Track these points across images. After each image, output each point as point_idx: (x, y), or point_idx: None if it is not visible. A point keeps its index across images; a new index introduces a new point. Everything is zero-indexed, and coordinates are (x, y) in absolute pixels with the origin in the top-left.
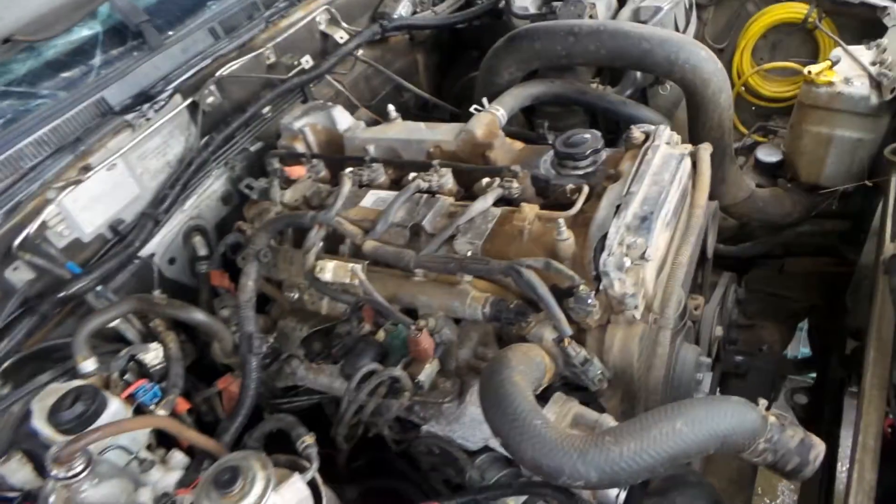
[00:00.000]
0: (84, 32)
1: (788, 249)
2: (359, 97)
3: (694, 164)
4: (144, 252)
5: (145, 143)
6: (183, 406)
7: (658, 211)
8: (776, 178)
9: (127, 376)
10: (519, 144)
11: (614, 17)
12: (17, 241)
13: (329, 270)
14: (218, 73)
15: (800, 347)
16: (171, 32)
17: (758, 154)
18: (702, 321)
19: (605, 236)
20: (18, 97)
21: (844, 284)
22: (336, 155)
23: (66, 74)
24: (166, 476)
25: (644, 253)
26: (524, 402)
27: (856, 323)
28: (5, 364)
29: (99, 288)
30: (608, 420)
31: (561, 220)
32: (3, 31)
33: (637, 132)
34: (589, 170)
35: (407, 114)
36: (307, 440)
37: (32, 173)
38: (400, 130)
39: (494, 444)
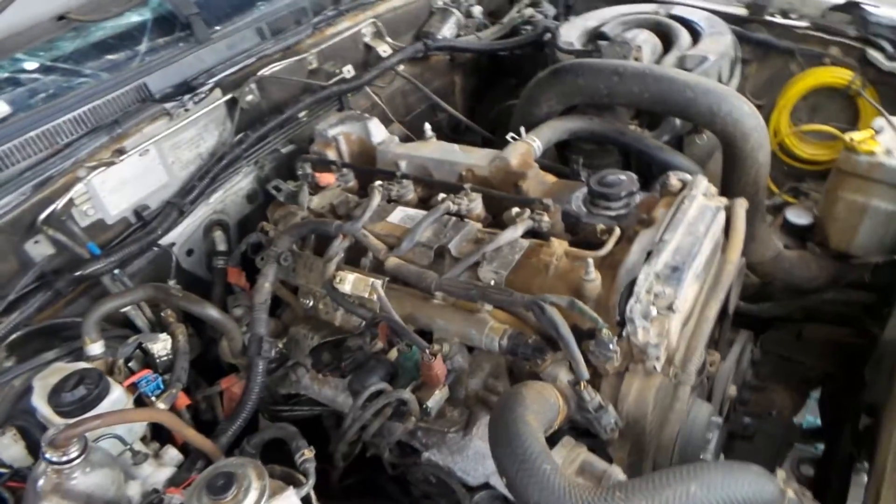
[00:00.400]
0: (134, 18)
1: (809, 314)
2: (394, 111)
3: (728, 219)
4: (165, 240)
5: (180, 133)
6: (183, 401)
7: (690, 262)
8: (804, 241)
9: (132, 364)
10: (551, 178)
11: (658, 62)
12: (42, 216)
13: (348, 282)
14: (260, 73)
15: (810, 419)
16: (218, 27)
17: (787, 215)
18: (716, 378)
19: (633, 282)
20: (63, 74)
21: (863, 357)
22: (367, 167)
23: (111, 57)
24: (158, 471)
25: (672, 304)
26: (535, 443)
27: (872, 399)
28: (13, 336)
29: (116, 271)
30: (617, 472)
31: (590, 260)
32: (58, 8)
33: (674, 179)
34: (621, 212)
35: (439, 133)
36: (306, 454)
37: (67, 150)
38: (434, 150)
39: (496, 481)
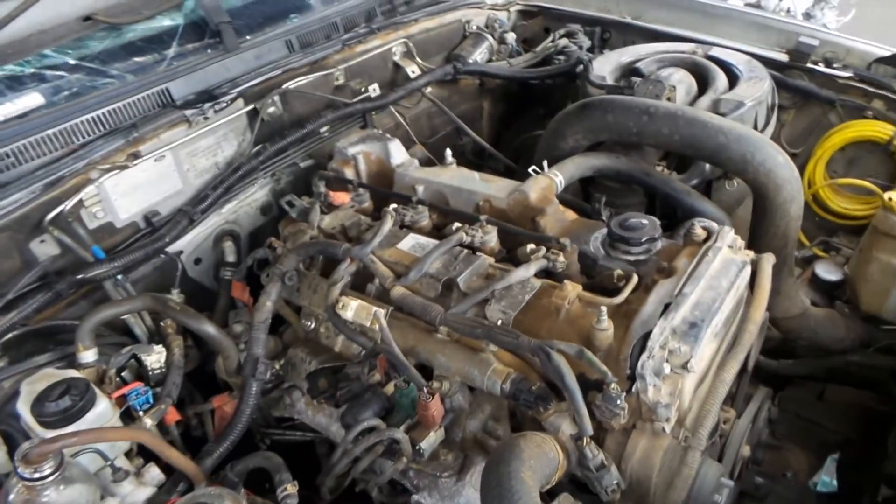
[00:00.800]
0: (166, 22)
1: (832, 375)
2: (418, 133)
3: (753, 274)
4: (173, 248)
5: (198, 141)
6: (173, 417)
7: (710, 319)
8: (833, 298)
9: (124, 373)
10: (571, 214)
11: (692, 103)
12: (50, 216)
13: (351, 309)
14: (285, 86)
15: (826, 480)
16: (248, 37)
17: (817, 270)
18: (730, 437)
19: (647, 335)
20: (88, 73)
21: (887, 425)
22: (384, 188)
23: (138, 59)
24: (137, 491)
25: (687, 363)
26: (529, 503)
27: (894, 470)
28: (8, 336)
29: (119, 277)
30: None
31: (603, 308)
32: (84, 9)
33: (699, 228)
34: (641, 257)
35: (462, 158)
36: (289, 490)
37: (82, 150)
38: (453, 176)
39: None
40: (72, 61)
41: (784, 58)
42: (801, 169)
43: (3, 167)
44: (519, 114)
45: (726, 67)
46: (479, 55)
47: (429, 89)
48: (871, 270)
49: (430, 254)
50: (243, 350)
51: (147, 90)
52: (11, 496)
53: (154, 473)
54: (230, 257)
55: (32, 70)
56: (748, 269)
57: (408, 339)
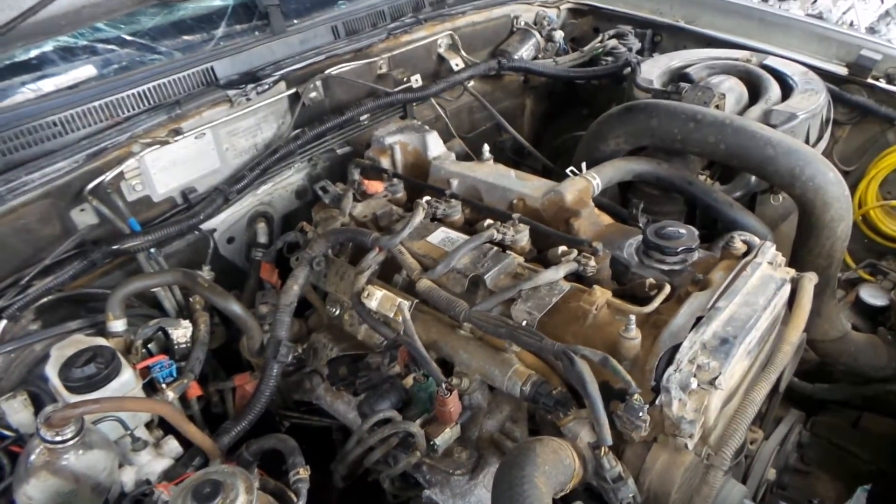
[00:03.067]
0: (216, 2)
1: (870, 404)
2: (458, 126)
3: (793, 293)
4: (207, 225)
5: (239, 121)
6: (195, 392)
7: (742, 336)
8: (876, 323)
9: (151, 345)
10: (607, 219)
11: (742, 113)
12: (90, 185)
13: (376, 298)
14: (328, 71)
15: None
16: (295, 21)
17: (861, 293)
18: (756, 458)
19: (676, 347)
20: (138, 48)
21: None
22: (418, 180)
23: (187, 37)
24: (154, 461)
25: (715, 379)
26: None
27: None
28: (44, 300)
29: (153, 250)
30: None
31: (632, 316)
32: None
33: (739, 241)
34: (676, 267)
35: (500, 154)
36: (301, 473)
37: (126, 124)
38: (488, 173)
39: None
40: (123, 36)
41: (843, 71)
42: (853, 188)
43: (50, 135)
44: (561, 113)
45: (781, 78)
46: (525, 52)
47: (471, 83)
48: None
49: (458, 249)
50: (268, 331)
51: (192, 68)
52: (32, 457)
53: (172, 446)
54: (262, 238)
55: (85, 42)
56: (787, 288)
57: (430, 332)
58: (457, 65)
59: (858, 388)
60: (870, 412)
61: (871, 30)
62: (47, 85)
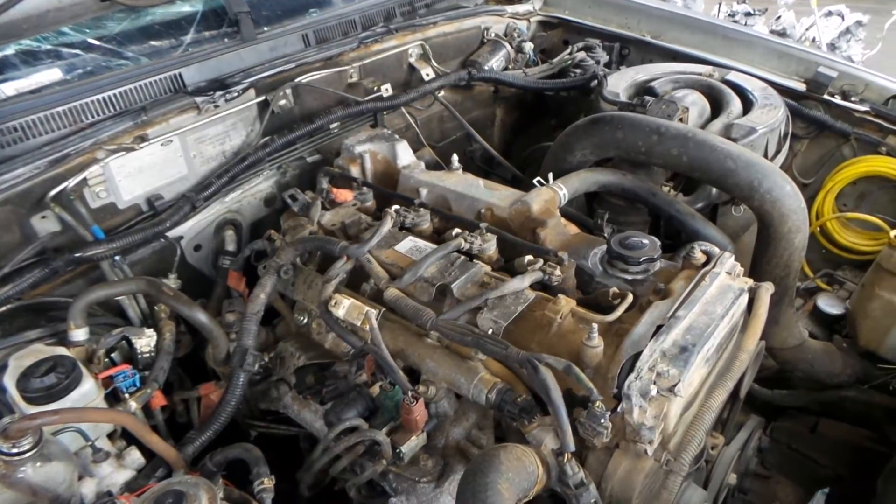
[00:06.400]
0: (185, 8)
1: (826, 409)
2: (428, 136)
3: (750, 303)
4: (174, 233)
5: (206, 128)
6: (159, 401)
7: (701, 344)
8: (832, 331)
9: (114, 354)
10: (573, 228)
11: (704, 126)
12: (52, 192)
13: (343, 307)
14: (298, 79)
15: None
16: (265, 28)
17: (818, 302)
18: (717, 463)
19: (637, 356)
20: (103, 53)
21: (879, 464)
22: (387, 189)
23: (154, 43)
24: (116, 473)
25: (675, 386)
26: None
27: None
28: (2, 309)
29: (117, 258)
30: None
31: (595, 325)
32: None
33: (699, 252)
34: (638, 277)
35: (470, 164)
36: (265, 483)
37: (90, 130)
38: (457, 182)
39: None
40: (89, 40)
41: (801, 87)
42: (811, 200)
43: (11, 141)
44: (531, 124)
45: (741, 92)
46: (495, 63)
47: (442, 93)
48: (872, 307)
49: (426, 258)
50: (234, 340)
51: (160, 74)
52: None
53: (135, 457)
54: (230, 246)
55: (49, 46)
56: (745, 297)
57: (398, 341)
58: (427, 74)
59: (815, 394)
60: (827, 418)
61: (832, 46)
62: (8, 89)
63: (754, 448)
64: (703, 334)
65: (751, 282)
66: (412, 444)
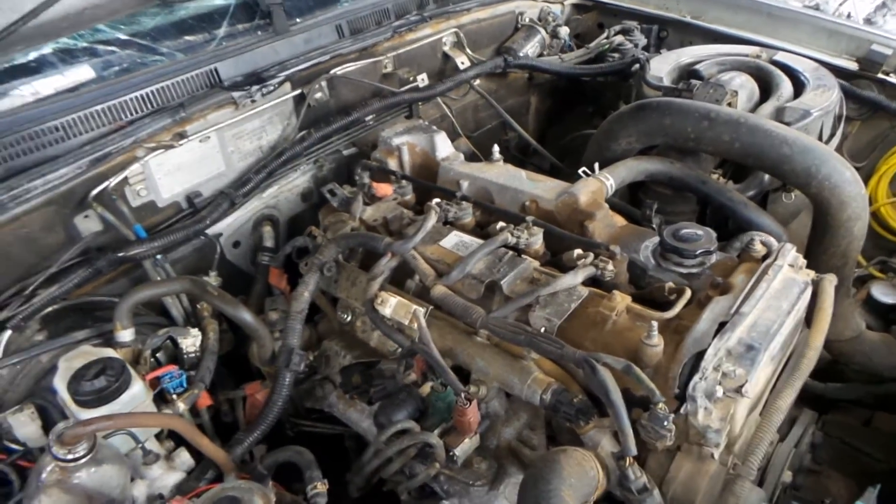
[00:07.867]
0: (217, 1)
1: (882, 403)
2: (464, 125)
3: (814, 296)
4: (213, 230)
5: (244, 124)
6: (205, 401)
7: (768, 342)
8: (888, 321)
9: (160, 354)
10: (621, 220)
11: (754, 110)
12: (94, 192)
13: (390, 305)
14: (333, 71)
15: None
16: (298, 20)
17: (873, 291)
18: (773, 461)
19: (700, 355)
20: (139, 49)
21: None
22: (427, 182)
23: (189, 38)
24: (166, 475)
25: (742, 387)
26: None
27: None
28: (48, 309)
29: (159, 257)
30: None
31: (654, 322)
32: None
33: (759, 244)
34: (694, 270)
35: (506, 153)
36: (319, 487)
37: (129, 128)
38: (499, 174)
39: None
40: (123, 37)
41: (853, 66)
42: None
43: (53, 140)
44: (567, 111)
45: (792, 74)
46: (530, 49)
47: (477, 81)
48: None
49: (473, 253)
50: (278, 339)
51: (196, 69)
52: (44, 475)
53: (184, 458)
54: (268, 242)
55: (85, 44)
56: (809, 291)
57: (446, 340)
58: (462, 63)
59: (871, 387)
60: (882, 411)
61: (868, 21)
62: (46, 87)
63: (808, 444)
64: (769, 331)
65: (813, 274)
66: (466, 446)
